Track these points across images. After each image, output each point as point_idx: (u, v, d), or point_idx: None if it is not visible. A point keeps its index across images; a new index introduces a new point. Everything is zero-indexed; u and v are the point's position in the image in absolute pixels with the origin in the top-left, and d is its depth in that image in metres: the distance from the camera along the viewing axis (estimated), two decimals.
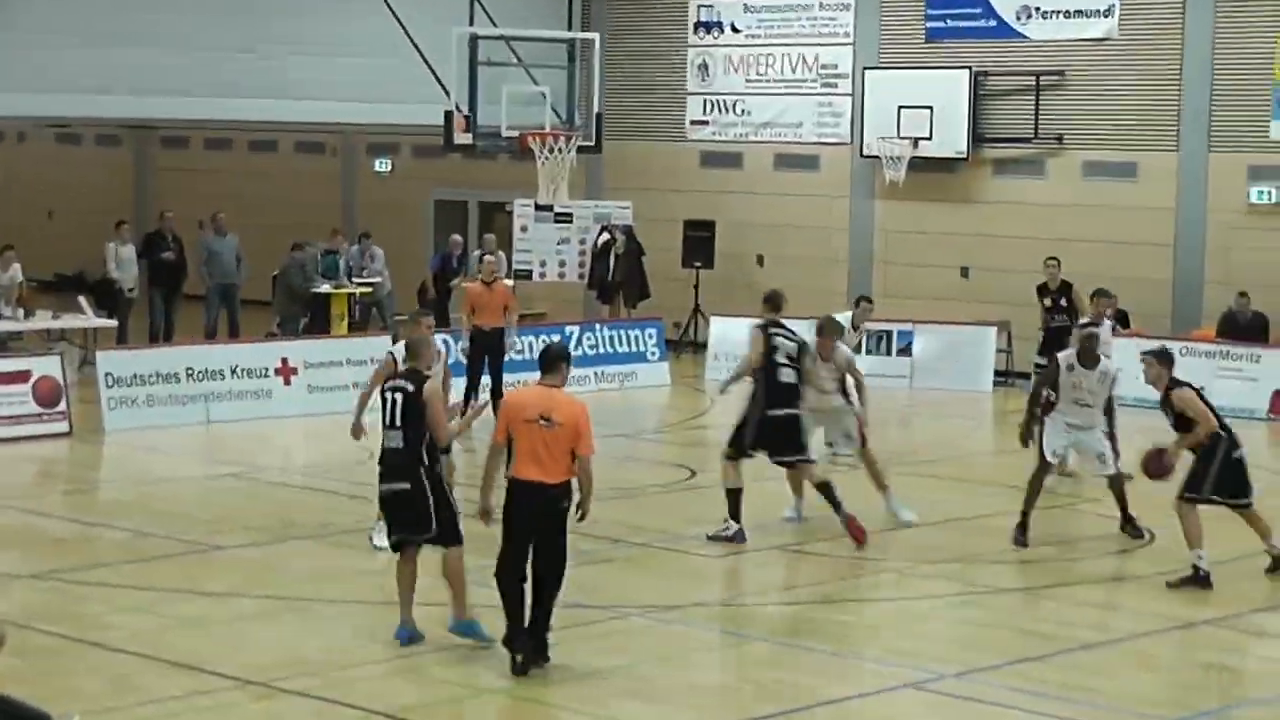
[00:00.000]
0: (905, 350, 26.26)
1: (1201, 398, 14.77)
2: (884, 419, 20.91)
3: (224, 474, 19.36)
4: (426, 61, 25.73)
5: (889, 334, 26.21)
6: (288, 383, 22.78)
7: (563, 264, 28.60)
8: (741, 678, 12.56)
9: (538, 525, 11.93)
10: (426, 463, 12.46)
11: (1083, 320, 19.44)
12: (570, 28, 28.95)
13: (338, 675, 12.05)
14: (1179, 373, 15.00)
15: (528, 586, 12.08)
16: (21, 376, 21.10)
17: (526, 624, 12.05)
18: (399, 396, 12.54)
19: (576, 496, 11.99)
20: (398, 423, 12.53)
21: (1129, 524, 16.34)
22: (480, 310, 21.69)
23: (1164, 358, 14.88)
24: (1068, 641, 13.21)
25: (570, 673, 12.20)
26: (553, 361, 12.17)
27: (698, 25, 30.20)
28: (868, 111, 28.03)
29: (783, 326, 16.37)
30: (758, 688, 12.26)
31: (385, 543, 13.73)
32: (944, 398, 24.65)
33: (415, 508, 12.47)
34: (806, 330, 16.96)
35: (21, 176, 38.66)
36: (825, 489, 15.96)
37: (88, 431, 21.30)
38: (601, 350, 25.68)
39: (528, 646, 12.01)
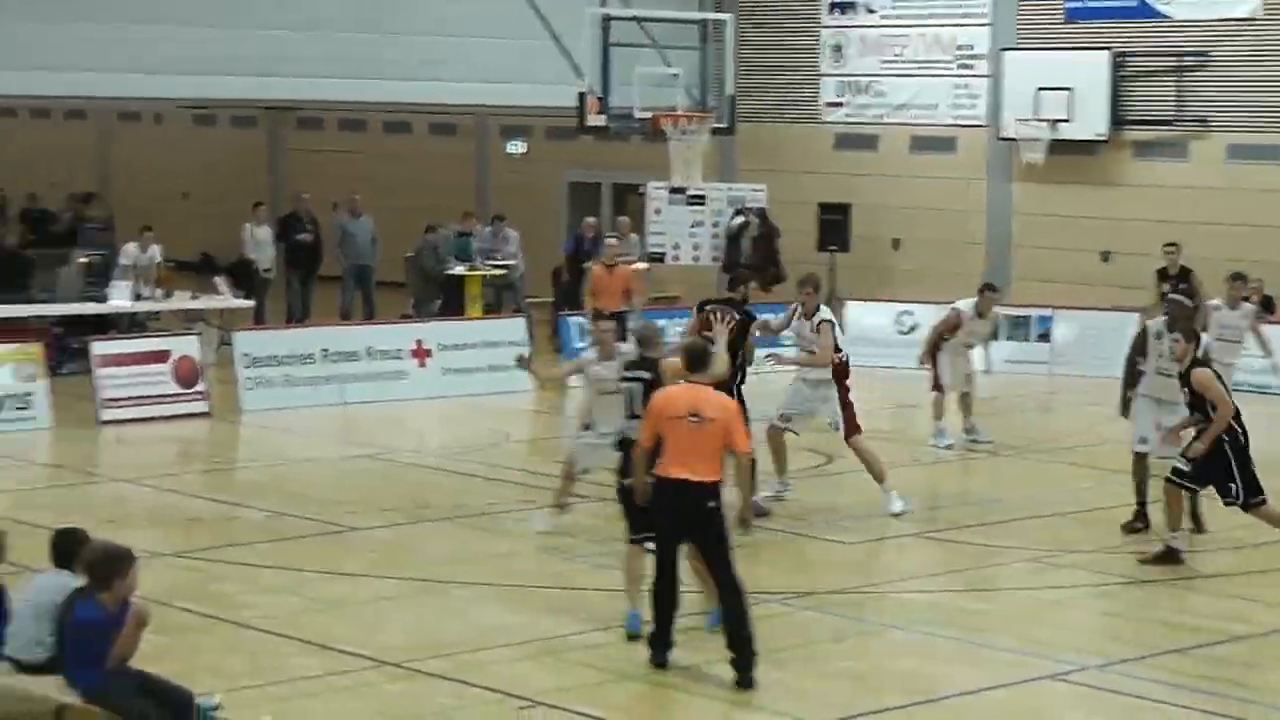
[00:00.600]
0: (1044, 336, 25.99)
1: (1220, 380, 14.59)
2: (1022, 405, 20.78)
3: (359, 455, 19.51)
4: (560, 43, 25.79)
5: (1027, 319, 25.95)
6: (422, 364, 22.93)
7: (696, 247, 28.52)
8: (876, 666, 12.48)
9: (685, 526, 11.69)
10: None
11: (1213, 303, 19.20)
12: (703, 8, 28.90)
13: (472, 658, 12.11)
14: None
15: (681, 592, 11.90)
16: (161, 356, 21.39)
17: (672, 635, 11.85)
18: (639, 386, 12.57)
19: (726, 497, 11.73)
20: (637, 412, 12.51)
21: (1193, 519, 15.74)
22: (601, 293, 21.67)
23: (1190, 335, 14.71)
24: (1211, 634, 13.02)
25: (702, 658, 12.19)
26: (699, 358, 11.95)
27: (832, 6, 30.04)
28: (1005, 93, 27.76)
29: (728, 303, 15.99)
30: (893, 676, 12.18)
31: (546, 526, 13.75)
32: (1084, 384, 24.34)
33: None
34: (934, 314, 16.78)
35: (158, 158, 39.17)
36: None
37: (225, 411, 21.55)
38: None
39: (667, 657, 11.86)
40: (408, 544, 15.43)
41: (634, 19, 26.23)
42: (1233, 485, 14.47)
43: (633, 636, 12.33)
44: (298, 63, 25.51)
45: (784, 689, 11.68)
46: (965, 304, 20.04)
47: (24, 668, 10.52)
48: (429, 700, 11.42)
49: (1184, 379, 14.67)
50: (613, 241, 23.26)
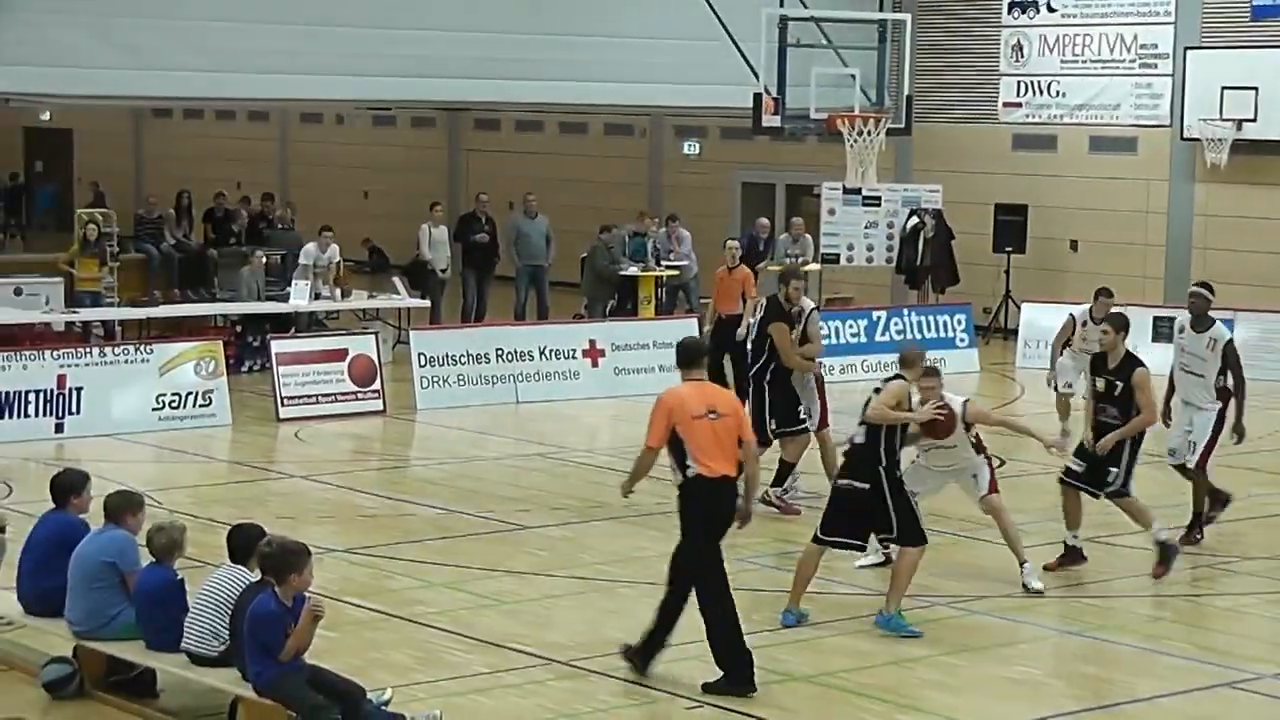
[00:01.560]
0: None
1: None
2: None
3: (531, 453, 19.67)
4: (735, 43, 25.81)
5: None
6: (595, 364, 23.07)
7: (870, 248, 28.45)
8: (1051, 671, 12.39)
9: (728, 524, 11.67)
10: (885, 463, 12.63)
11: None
12: (881, 8, 28.75)
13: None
14: None
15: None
16: (339, 355, 21.72)
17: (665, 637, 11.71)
18: (873, 396, 12.84)
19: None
20: (861, 419, 12.82)
21: (1197, 525, 15.56)
22: (720, 297, 21.56)
23: (1121, 325, 14.44)
24: None
25: (875, 660, 12.17)
26: (697, 356, 12.01)
27: (1012, 5, 29.77)
28: (1189, 92, 27.34)
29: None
30: (1068, 681, 12.09)
31: None
32: (1267, 388, 23.89)
33: (873, 508, 12.64)
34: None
35: (339, 158, 39.77)
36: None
37: (400, 409, 21.83)
38: (909, 336, 25.46)
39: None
40: (577, 542, 15.55)
41: (811, 19, 26.18)
42: (1114, 470, 14.35)
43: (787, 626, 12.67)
44: (475, 64, 25.81)
45: (957, 692, 11.63)
46: (1079, 310, 19.79)
47: (201, 660, 10.77)
48: (595, 698, 11.51)
49: (1112, 371, 14.32)
50: (733, 243, 22.85)
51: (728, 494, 11.57)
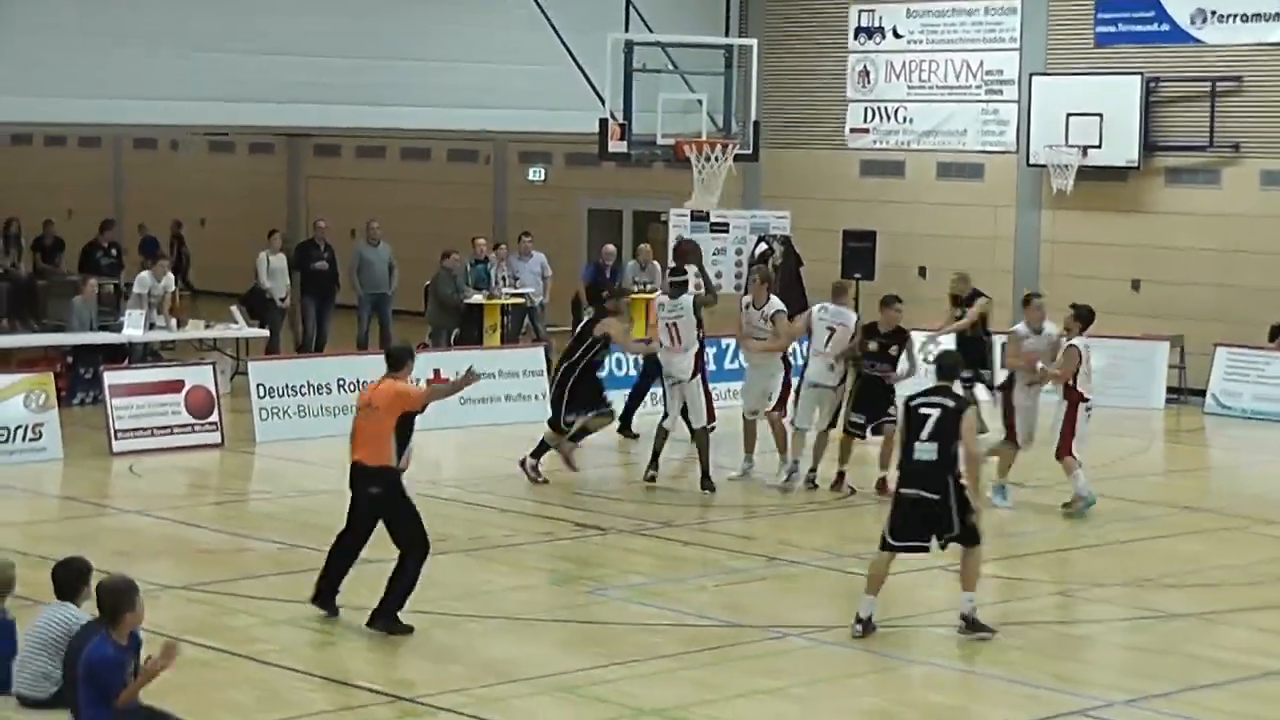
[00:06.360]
0: None
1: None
2: (1050, 436, 20.66)
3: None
4: (581, 68, 25.82)
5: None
6: None
7: (719, 275, 28.52)
8: (902, 701, 12.45)
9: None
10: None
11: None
12: (728, 34, 28.92)
13: (487, 693, 12.10)
14: None
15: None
16: (174, 386, 21.43)
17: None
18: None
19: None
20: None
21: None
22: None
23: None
24: (1245, 669, 12.97)
25: (727, 692, 12.17)
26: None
27: (858, 31, 30.07)
28: (1035, 119, 27.74)
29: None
30: (920, 711, 12.15)
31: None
32: (1115, 414, 24.27)
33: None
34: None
35: (174, 185, 39.30)
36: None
37: (239, 442, 21.58)
38: None
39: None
40: (422, 577, 15.39)
41: (657, 44, 26.25)
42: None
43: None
44: (316, 89, 25.58)
45: None
46: (1021, 327, 19.63)
47: (31, 703, 10.55)
48: None
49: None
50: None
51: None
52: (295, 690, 12.16)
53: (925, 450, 13.53)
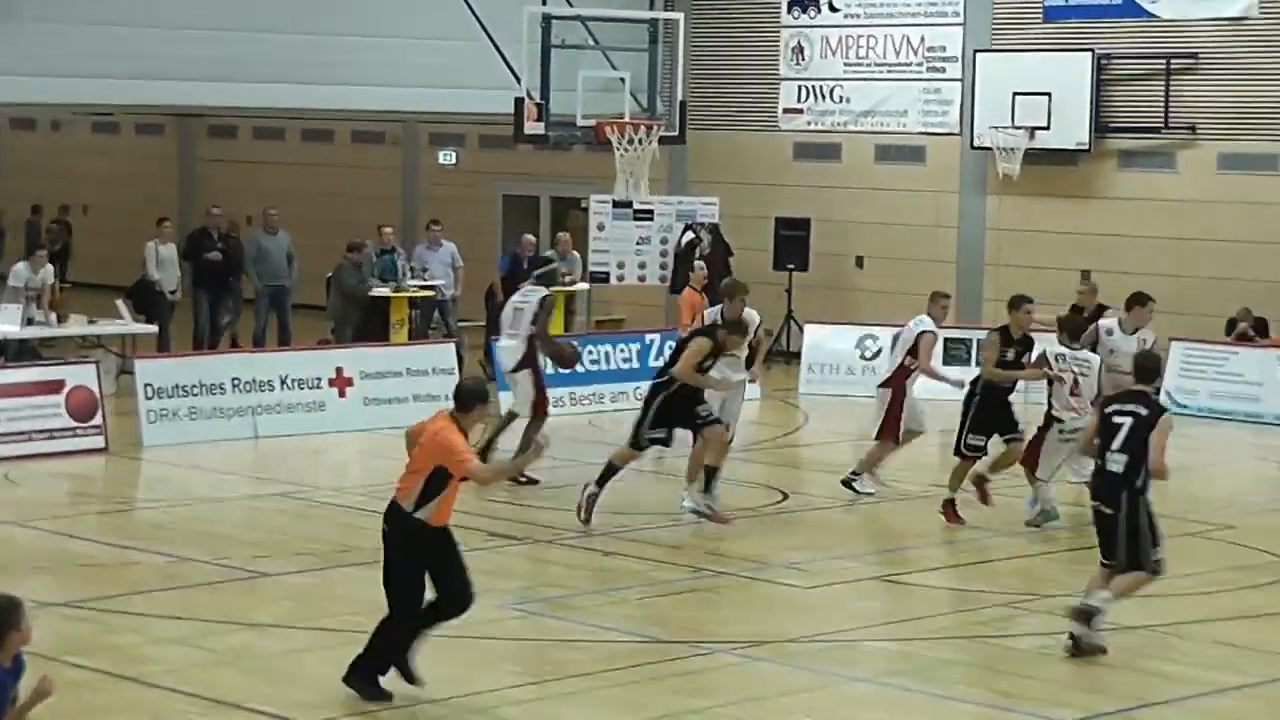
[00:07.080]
0: None
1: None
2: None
3: (272, 493, 19.46)
4: (495, 44, 25.80)
5: None
6: (342, 394, 22.87)
7: (643, 265, 28.59)
8: None
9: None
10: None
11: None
12: (652, 7, 28.98)
13: (392, 715, 12.08)
14: None
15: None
16: (54, 387, 21.28)
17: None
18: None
19: None
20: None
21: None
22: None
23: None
24: (1198, 685, 13.07)
25: (652, 712, 12.17)
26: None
27: (792, 4, 30.17)
28: (979, 98, 27.90)
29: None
30: None
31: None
32: None
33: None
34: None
35: (55, 168, 39.04)
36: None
37: (125, 446, 21.47)
38: None
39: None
40: (325, 591, 15.37)
41: (577, 18, 26.27)
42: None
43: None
44: (209, 65, 25.42)
45: None
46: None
47: None
48: None
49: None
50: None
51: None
52: (182, 714, 12.10)
53: (1114, 461, 13.58)
